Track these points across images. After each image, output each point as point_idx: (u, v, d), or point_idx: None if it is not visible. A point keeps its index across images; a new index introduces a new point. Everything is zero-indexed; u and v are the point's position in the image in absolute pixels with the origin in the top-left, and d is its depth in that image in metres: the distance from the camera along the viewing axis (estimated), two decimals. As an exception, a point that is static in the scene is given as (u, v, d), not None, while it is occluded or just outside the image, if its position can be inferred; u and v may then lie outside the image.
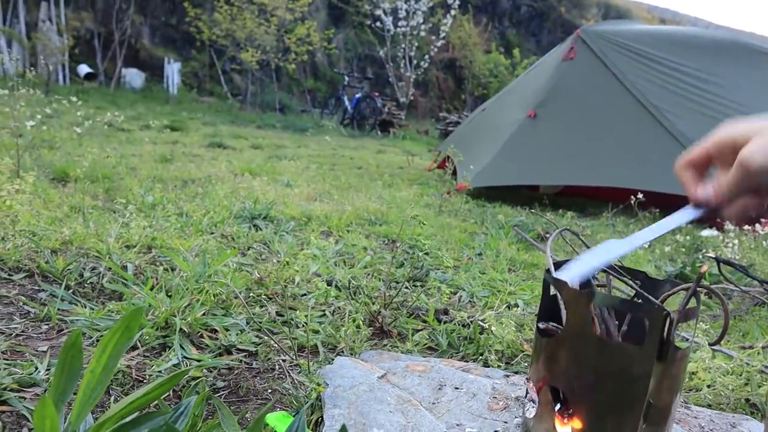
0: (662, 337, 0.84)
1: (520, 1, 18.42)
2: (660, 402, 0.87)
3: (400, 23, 12.85)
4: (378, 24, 13.13)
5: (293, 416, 1.13)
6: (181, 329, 1.45)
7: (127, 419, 0.79)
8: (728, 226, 3.23)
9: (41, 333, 1.42)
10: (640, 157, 4.18)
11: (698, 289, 0.90)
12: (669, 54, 4.47)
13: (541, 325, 1.00)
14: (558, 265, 0.97)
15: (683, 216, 0.74)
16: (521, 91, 5.42)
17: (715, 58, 4.46)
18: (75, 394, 0.84)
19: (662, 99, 4.25)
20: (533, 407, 0.96)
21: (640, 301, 0.95)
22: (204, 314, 1.57)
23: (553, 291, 1.01)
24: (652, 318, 0.84)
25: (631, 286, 0.90)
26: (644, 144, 4.22)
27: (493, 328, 1.63)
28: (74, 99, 4.24)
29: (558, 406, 0.91)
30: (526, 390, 1.01)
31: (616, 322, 1.00)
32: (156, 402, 1.04)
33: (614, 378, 0.87)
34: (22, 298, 1.58)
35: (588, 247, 0.87)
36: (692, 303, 0.92)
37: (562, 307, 0.99)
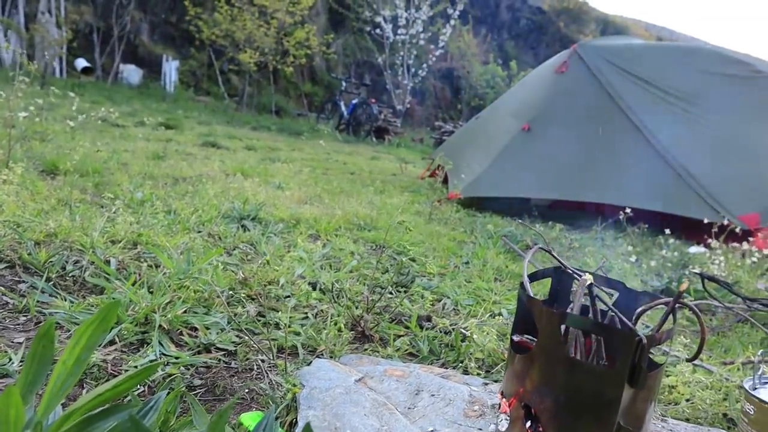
0: (634, 361, 0.83)
1: (519, 14, 18.55)
2: (630, 425, 0.87)
3: (399, 31, 12.90)
4: (377, 31, 13.18)
5: (268, 416, 1.12)
6: (160, 326, 1.44)
7: (95, 411, 0.78)
8: (715, 243, 3.26)
9: (18, 324, 1.40)
10: (629, 174, 4.20)
11: (677, 305, 0.90)
12: (663, 75, 4.50)
13: (515, 338, 1.00)
14: (534, 277, 0.97)
15: None
16: (515, 102, 5.45)
17: (708, 78, 4.49)
18: (46, 385, 0.83)
19: (653, 120, 4.28)
20: (506, 420, 0.95)
21: (612, 324, 0.94)
22: (185, 312, 1.56)
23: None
24: (624, 343, 0.83)
25: (608, 307, 0.90)
26: (634, 162, 4.24)
27: (474, 336, 1.63)
28: (71, 94, 4.23)
29: (529, 423, 0.91)
30: (500, 402, 1.01)
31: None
32: (128, 396, 1.03)
33: (584, 399, 0.86)
34: (2, 288, 1.56)
35: (563, 264, 0.87)
36: (669, 322, 0.92)
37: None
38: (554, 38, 18.31)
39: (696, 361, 1.74)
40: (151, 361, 1.29)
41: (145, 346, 1.38)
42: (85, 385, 1.17)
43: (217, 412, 0.70)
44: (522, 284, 0.99)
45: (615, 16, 21.43)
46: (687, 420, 1.42)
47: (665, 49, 5.26)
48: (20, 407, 0.72)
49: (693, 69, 4.58)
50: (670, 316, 0.95)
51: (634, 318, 1.01)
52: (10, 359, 1.20)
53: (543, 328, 0.89)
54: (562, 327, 0.92)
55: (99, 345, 1.32)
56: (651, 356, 0.94)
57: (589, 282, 0.92)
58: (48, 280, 1.65)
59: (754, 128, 4.16)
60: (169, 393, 1.04)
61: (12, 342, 1.30)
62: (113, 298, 1.53)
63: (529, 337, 1.01)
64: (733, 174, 4.05)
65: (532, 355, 0.93)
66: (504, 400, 1.00)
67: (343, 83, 12.24)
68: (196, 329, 1.52)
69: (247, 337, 1.51)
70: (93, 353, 1.04)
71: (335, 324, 1.65)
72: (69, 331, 1.39)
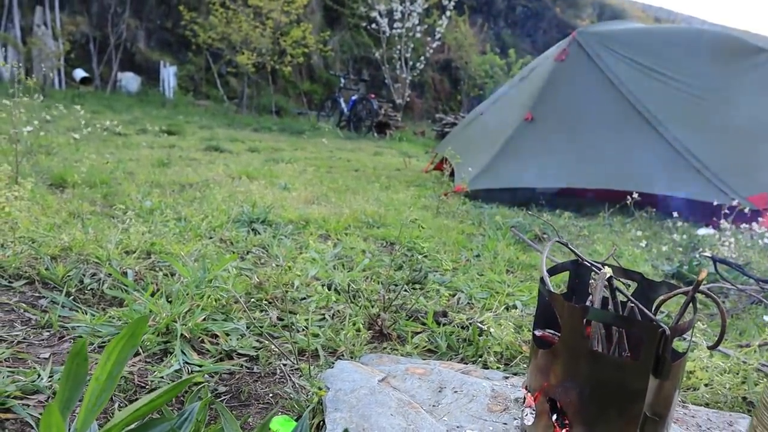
0: (657, 352, 0.84)
1: (515, 2, 18.46)
2: (656, 414, 0.88)
3: (395, 25, 12.86)
4: (373, 26, 13.13)
5: (295, 420, 1.14)
6: (182, 335, 1.46)
7: (132, 426, 0.80)
8: (724, 225, 3.26)
9: (43, 340, 1.42)
10: (635, 159, 4.20)
11: (695, 294, 0.91)
12: (664, 58, 4.49)
13: (537, 333, 1.01)
14: (553, 271, 0.98)
15: None
16: (516, 92, 5.44)
17: (709, 59, 4.48)
18: (80, 401, 0.84)
19: (656, 103, 4.28)
20: (531, 414, 0.97)
21: (635, 317, 0.95)
22: (204, 319, 1.58)
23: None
24: (647, 335, 0.84)
25: (628, 298, 0.91)
26: (639, 147, 4.24)
27: (491, 330, 1.65)
28: (77, 107, 4.25)
29: (555, 416, 0.92)
30: (524, 396, 1.02)
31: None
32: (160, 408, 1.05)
33: (609, 391, 0.88)
34: (23, 305, 1.59)
35: (580, 257, 0.88)
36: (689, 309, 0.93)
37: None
38: (551, 24, 18.23)
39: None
40: (176, 371, 1.31)
41: (168, 355, 1.40)
42: (114, 398, 1.18)
43: (259, 426, 0.71)
44: (542, 279, 1.00)
45: (611, -1, 21.30)
46: (707, 405, 1.43)
47: (664, 32, 5.24)
48: (61, 425, 0.74)
49: (693, 50, 4.56)
50: (690, 305, 0.96)
51: (653, 308, 1.02)
52: (39, 375, 1.22)
53: (565, 323, 0.90)
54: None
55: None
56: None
57: (609, 275, 0.93)
58: (68, 294, 1.67)
59: (759, 107, 4.15)
60: (197, 401, 1.06)
61: (38, 358, 1.32)
62: (134, 311, 1.55)
63: (551, 331, 1.02)
64: (739, 154, 4.04)
65: (555, 350, 0.94)
66: (529, 394, 1.01)
67: (342, 80, 12.23)
68: (216, 336, 1.54)
69: (267, 342, 1.53)
70: (121, 366, 1.06)
71: (353, 324, 1.67)
72: (93, 344, 1.41)
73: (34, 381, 1.18)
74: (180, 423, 0.81)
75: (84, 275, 1.81)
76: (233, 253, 2.30)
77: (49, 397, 1.14)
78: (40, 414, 1.07)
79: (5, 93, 3.23)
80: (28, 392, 1.15)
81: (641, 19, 18.53)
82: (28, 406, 1.10)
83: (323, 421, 1.13)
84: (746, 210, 3.38)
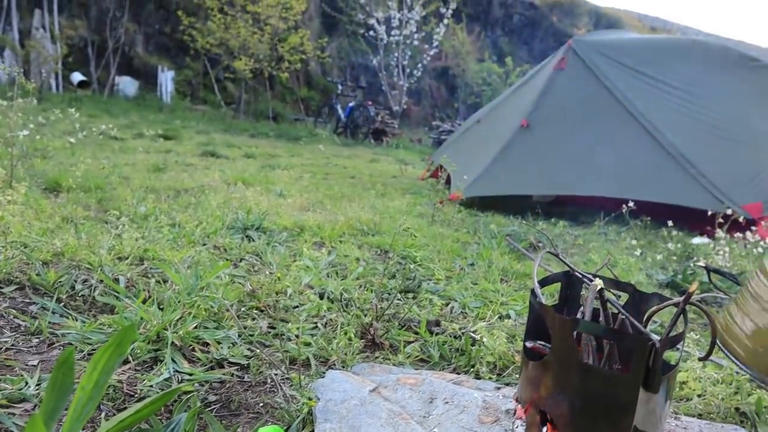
0: (648, 365, 0.84)
1: (512, 10, 18.54)
2: (646, 427, 0.88)
3: (393, 32, 12.90)
4: (371, 33, 13.19)
5: (285, 430, 1.13)
6: (172, 343, 1.45)
7: (118, 437, 0.79)
8: (719, 234, 3.27)
9: (32, 347, 1.41)
10: (631, 167, 4.21)
11: (686, 306, 0.91)
12: (659, 65, 4.52)
13: (528, 344, 1.01)
14: (544, 282, 0.98)
15: None
16: (514, 100, 5.46)
17: (704, 68, 4.51)
18: (66, 410, 0.84)
19: (652, 111, 4.30)
20: (522, 426, 0.96)
21: (624, 328, 0.95)
22: (196, 327, 1.57)
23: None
24: (637, 347, 0.84)
25: (620, 310, 0.91)
26: (635, 154, 4.25)
27: (484, 340, 1.64)
28: (72, 111, 4.24)
29: (545, 429, 0.92)
30: (515, 408, 1.02)
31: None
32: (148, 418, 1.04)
33: (600, 404, 0.87)
34: (13, 311, 1.57)
35: (572, 269, 0.88)
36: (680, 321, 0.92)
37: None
38: (548, 33, 18.31)
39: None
40: (165, 380, 1.30)
41: (159, 363, 1.39)
42: (102, 407, 1.17)
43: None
44: (533, 291, 1.00)
45: (607, 8, 21.41)
46: (700, 416, 1.42)
47: (660, 42, 5.28)
48: (44, 436, 0.73)
49: (689, 60, 4.58)
50: (681, 317, 0.95)
51: (644, 319, 1.02)
52: (26, 383, 1.21)
53: (556, 335, 0.90)
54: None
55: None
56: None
57: (599, 287, 0.93)
58: (58, 300, 1.66)
59: (754, 116, 4.17)
60: (186, 411, 1.05)
61: (26, 365, 1.31)
62: (125, 318, 1.54)
63: (542, 343, 1.02)
64: (735, 163, 4.06)
65: (545, 362, 0.93)
66: (519, 405, 1.01)
67: (339, 86, 12.26)
68: (207, 344, 1.53)
69: (259, 351, 1.52)
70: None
71: (345, 333, 1.66)
72: (82, 351, 1.39)
73: (20, 389, 1.17)
74: (166, 434, 0.80)
75: (75, 281, 1.80)
76: (227, 260, 2.29)
77: (35, 406, 1.13)
78: (26, 423, 1.06)
79: (2, 96, 3.22)
80: (14, 401, 1.13)
81: (637, 28, 18.65)
82: (14, 414, 1.09)
83: (313, 431, 1.12)
84: (741, 219, 3.39)
